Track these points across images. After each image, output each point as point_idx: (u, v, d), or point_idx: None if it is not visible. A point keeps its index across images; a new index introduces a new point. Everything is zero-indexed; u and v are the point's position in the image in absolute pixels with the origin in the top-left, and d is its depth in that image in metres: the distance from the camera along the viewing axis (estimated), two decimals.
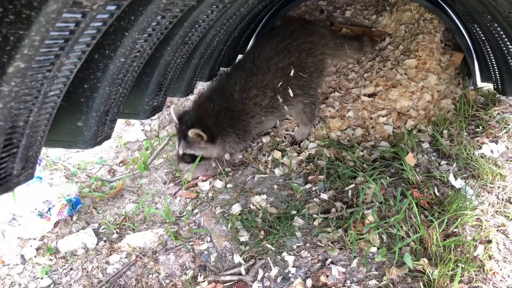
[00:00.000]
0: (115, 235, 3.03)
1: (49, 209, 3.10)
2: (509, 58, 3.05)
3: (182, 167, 3.39)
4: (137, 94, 2.16)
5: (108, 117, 1.81)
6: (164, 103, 2.47)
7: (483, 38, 3.42)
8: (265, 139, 3.74)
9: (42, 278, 2.74)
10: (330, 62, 3.87)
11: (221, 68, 3.77)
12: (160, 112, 3.36)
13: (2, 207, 3.06)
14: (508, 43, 2.92)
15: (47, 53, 1.16)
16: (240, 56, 4.26)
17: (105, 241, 3.00)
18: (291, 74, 3.36)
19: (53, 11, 1.04)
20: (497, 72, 3.56)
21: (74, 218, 3.17)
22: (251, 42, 4.28)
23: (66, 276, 2.76)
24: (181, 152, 3.27)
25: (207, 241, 2.88)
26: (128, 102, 2.14)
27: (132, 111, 2.20)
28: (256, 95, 3.30)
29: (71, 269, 2.79)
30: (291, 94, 3.37)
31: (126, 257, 2.84)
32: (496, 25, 2.92)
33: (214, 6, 2.05)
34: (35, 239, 3.00)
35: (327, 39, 3.70)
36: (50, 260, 2.86)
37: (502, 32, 2.88)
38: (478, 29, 3.39)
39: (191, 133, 3.08)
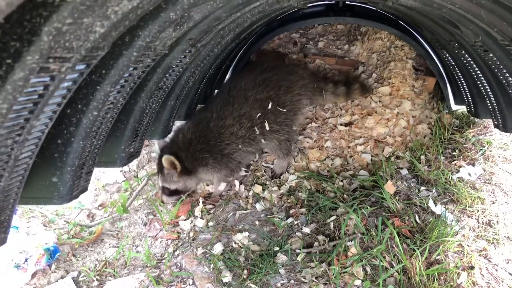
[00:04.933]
0: (95, 283, 2.94)
1: (26, 260, 3.01)
2: (478, 82, 3.13)
3: (165, 200, 3.44)
4: (113, 142, 2.14)
5: (84, 170, 1.79)
6: (141, 148, 2.45)
7: (453, 63, 3.50)
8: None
9: None
10: (306, 103, 3.83)
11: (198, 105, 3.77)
12: None
13: None
14: (477, 68, 3.00)
15: (16, 118, 1.14)
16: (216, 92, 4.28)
17: None
18: (269, 107, 3.36)
19: (20, 79, 1.02)
20: (469, 95, 3.64)
21: (53, 267, 3.08)
22: (227, 77, 4.30)
23: None
24: (160, 184, 3.32)
25: (189, 284, 2.82)
26: (103, 150, 2.12)
27: (108, 159, 2.17)
28: (232, 124, 3.30)
29: None
30: (267, 128, 3.38)
31: None
32: (463, 51, 3.00)
33: (187, 51, 2.06)
34: None
35: (305, 81, 3.67)
36: None
37: (470, 59, 2.96)
38: (447, 55, 3.48)
39: (164, 160, 3.11)
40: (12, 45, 0.98)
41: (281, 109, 3.42)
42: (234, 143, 3.33)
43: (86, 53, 1.16)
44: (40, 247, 3.07)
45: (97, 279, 2.96)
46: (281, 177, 3.64)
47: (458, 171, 3.41)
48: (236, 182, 3.53)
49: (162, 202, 3.49)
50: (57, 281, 2.95)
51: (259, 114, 3.34)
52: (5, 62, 0.99)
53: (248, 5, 2.08)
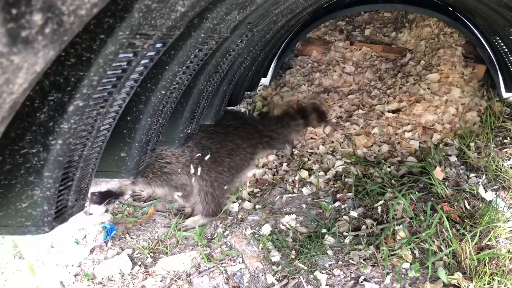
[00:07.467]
0: (149, 259, 3.08)
1: (85, 236, 3.18)
2: None
3: (94, 210, 3.08)
4: (172, 123, 2.23)
5: (149, 146, 1.89)
6: (197, 130, 2.54)
7: (506, 50, 3.44)
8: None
9: None
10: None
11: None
12: None
13: (41, 236, 3.15)
14: None
15: (102, 90, 1.24)
16: (263, 80, 4.35)
17: (139, 265, 3.05)
18: (206, 158, 3.19)
19: (110, 53, 1.12)
20: None
21: (109, 244, 3.24)
22: (272, 65, 4.36)
23: None
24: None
25: (239, 262, 2.92)
26: (163, 131, 2.22)
27: (167, 139, 2.27)
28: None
29: None
30: (198, 173, 3.21)
31: (161, 281, 2.89)
32: None
33: (244, 36, 2.13)
34: (72, 265, 3.07)
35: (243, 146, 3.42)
36: (88, 285, 2.93)
37: None
38: (500, 41, 3.42)
39: None
40: (106, 21, 1.07)
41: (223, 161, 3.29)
42: (175, 164, 3.16)
43: (166, 31, 1.24)
44: (97, 225, 3.23)
45: (150, 256, 3.10)
46: (328, 162, 3.68)
47: (509, 159, 3.36)
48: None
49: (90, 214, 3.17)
50: (113, 256, 3.11)
51: (199, 154, 3.18)
52: (98, 37, 1.09)
53: None
